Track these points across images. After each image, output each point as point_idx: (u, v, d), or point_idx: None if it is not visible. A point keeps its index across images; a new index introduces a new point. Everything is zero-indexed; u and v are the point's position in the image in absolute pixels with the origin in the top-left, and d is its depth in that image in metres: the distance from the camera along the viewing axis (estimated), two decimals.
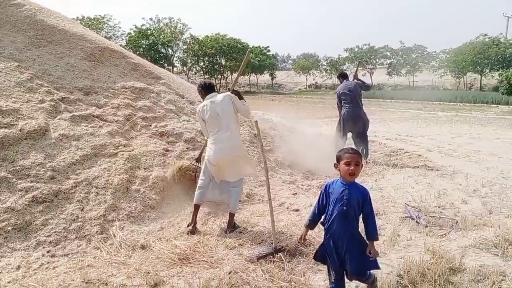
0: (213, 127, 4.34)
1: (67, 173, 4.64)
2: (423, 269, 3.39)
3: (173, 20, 51.61)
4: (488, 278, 3.24)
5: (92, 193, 4.51)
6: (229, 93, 4.53)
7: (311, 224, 2.94)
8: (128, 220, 4.45)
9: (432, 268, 3.39)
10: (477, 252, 3.72)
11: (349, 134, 8.30)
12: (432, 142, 10.41)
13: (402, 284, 3.26)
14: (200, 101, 4.99)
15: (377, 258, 2.77)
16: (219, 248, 3.99)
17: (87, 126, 5.37)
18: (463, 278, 3.31)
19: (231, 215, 4.47)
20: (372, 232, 2.70)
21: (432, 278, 3.28)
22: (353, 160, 2.69)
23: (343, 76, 8.43)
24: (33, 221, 4.03)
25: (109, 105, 5.92)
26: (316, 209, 2.89)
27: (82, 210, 4.31)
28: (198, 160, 5.27)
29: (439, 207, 5.10)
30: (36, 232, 3.97)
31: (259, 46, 54.15)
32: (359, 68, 7.60)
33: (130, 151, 5.22)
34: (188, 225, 4.46)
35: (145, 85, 6.76)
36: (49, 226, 4.04)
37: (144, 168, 5.13)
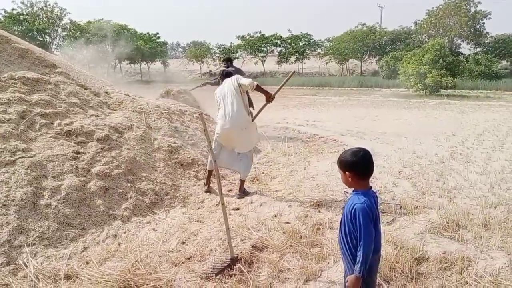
0: (220, 105, 5.01)
1: None
2: (392, 263, 3.25)
3: (49, 4, 46.13)
4: (455, 265, 3.21)
5: None
6: (235, 75, 5.19)
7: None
8: (41, 243, 3.58)
9: (400, 261, 3.26)
10: (434, 238, 3.71)
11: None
12: (340, 126, 10.75)
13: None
14: None
15: None
16: (164, 266, 3.39)
17: None
18: (430, 267, 3.24)
19: (242, 182, 5.14)
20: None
21: (403, 271, 3.15)
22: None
23: (230, 60, 9.17)
24: None
25: None
26: None
27: None
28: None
29: (375, 191, 5.10)
30: None
31: (148, 33, 51.36)
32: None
33: (31, 157, 4.24)
34: (204, 185, 5.28)
35: (39, 75, 5.62)
36: None
37: (53, 177, 4.20)
